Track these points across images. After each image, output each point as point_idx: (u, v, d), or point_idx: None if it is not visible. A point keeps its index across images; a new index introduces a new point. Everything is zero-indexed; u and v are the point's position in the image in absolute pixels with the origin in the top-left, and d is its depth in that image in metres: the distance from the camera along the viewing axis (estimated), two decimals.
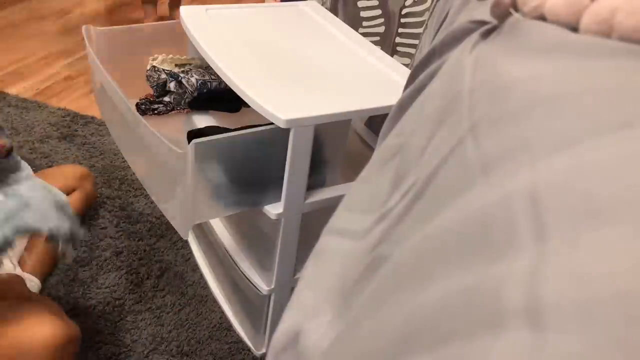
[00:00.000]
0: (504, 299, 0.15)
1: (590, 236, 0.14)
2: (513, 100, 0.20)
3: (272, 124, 0.83)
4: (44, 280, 1.25)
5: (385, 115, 0.38)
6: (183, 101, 1.11)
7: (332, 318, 0.28)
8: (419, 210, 0.23)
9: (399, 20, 1.38)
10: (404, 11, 1.37)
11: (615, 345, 0.13)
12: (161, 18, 2.63)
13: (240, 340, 1.21)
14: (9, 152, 0.93)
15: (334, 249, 0.32)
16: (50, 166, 1.61)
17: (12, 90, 2.00)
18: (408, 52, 1.41)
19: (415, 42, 1.39)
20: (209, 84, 1.11)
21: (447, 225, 0.19)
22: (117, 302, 1.25)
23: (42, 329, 0.90)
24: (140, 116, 0.89)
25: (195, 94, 1.10)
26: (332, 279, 0.30)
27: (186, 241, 1.42)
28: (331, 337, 0.25)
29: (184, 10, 1.11)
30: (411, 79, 0.34)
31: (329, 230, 0.34)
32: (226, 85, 0.93)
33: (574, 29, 0.21)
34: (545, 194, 0.16)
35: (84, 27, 1.17)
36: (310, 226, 0.97)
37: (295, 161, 0.87)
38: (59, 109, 1.91)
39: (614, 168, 0.15)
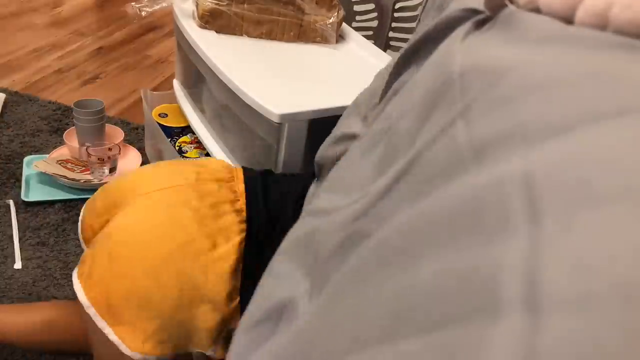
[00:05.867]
0: (500, 285, 0.15)
1: (585, 220, 0.14)
2: (507, 84, 0.20)
3: None
4: None
5: None
6: None
7: (310, 287, 0.28)
8: (404, 189, 0.23)
9: (393, 14, 1.38)
10: (398, 5, 1.37)
11: (613, 327, 0.13)
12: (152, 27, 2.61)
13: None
14: None
15: (307, 226, 0.32)
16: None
17: (2, 83, 1.98)
18: (401, 47, 1.41)
19: (409, 36, 1.39)
20: None
21: (438, 206, 0.19)
22: None
23: None
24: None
25: None
26: (306, 248, 0.30)
27: None
28: (311, 309, 0.25)
29: (182, 11, 1.10)
30: (400, 66, 0.34)
31: (305, 212, 0.34)
32: None
33: (569, 21, 0.21)
34: (540, 178, 0.16)
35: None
36: None
37: (289, 155, 0.87)
38: (49, 102, 1.89)
39: (609, 154, 0.15)
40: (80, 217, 0.89)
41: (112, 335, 0.71)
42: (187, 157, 1.22)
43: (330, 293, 0.23)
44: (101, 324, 0.71)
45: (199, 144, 1.22)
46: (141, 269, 0.71)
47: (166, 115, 1.29)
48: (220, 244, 0.70)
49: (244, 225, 0.72)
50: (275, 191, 0.76)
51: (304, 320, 0.24)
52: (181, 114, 1.26)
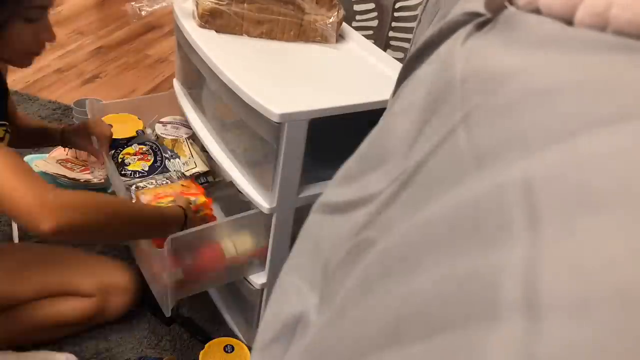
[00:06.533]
0: (500, 290, 0.15)
1: (585, 225, 0.14)
2: (507, 91, 0.20)
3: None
4: None
5: (379, 110, 0.38)
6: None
7: (319, 301, 0.28)
8: (407, 197, 0.23)
9: (393, 14, 1.38)
10: (398, 5, 1.36)
11: (614, 334, 0.13)
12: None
13: (233, 335, 1.21)
14: None
15: (316, 228, 0.32)
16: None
17: None
18: (401, 47, 1.41)
19: (409, 36, 1.39)
20: None
21: (438, 213, 0.19)
22: None
23: (122, 275, 1.16)
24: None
25: None
26: (313, 261, 0.30)
27: None
28: (319, 323, 0.25)
29: (182, 10, 1.10)
30: (404, 72, 0.34)
31: (313, 209, 0.33)
32: None
33: (569, 22, 0.21)
34: (540, 184, 0.16)
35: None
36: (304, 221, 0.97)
37: (289, 155, 0.87)
38: (49, 101, 1.89)
39: (609, 160, 0.15)
40: None
41: None
42: (129, 170, 1.17)
43: (337, 306, 0.23)
44: None
45: (143, 155, 1.19)
46: None
47: (110, 126, 1.24)
48: None
49: None
50: None
51: (311, 336, 0.24)
52: (128, 123, 1.23)
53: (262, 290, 1.07)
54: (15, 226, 1.38)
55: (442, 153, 0.21)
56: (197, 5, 1.04)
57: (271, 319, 0.31)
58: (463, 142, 0.20)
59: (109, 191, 1.51)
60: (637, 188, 0.14)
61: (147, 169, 1.18)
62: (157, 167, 1.19)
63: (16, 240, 1.34)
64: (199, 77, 1.07)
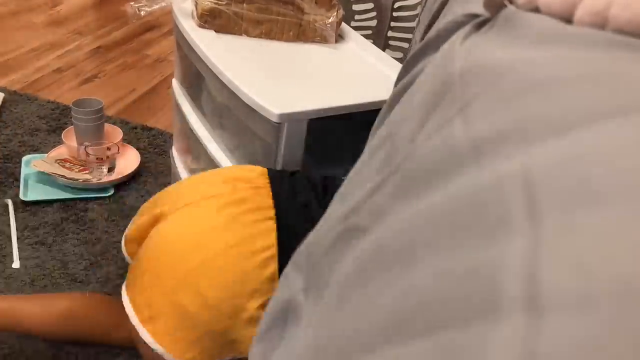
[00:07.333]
0: (500, 286, 0.15)
1: (586, 219, 0.14)
2: (507, 83, 0.20)
3: None
4: None
5: (378, 109, 0.38)
6: None
7: (305, 285, 0.28)
8: (397, 183, 0.22)
9: (392, 14, 1.38)
10: (397, 5, 1.37)
11: (616, 329, 0.12)
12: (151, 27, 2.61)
13: None
14: None
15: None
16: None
17: (1, 82, 1.97)
18: (400, 46, 1.41)
19: (408, 36, 1.39)
20: None
21: (436, 205, 0.19)
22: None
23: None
24: None
25: None
26: (304, 255, 0.31)
27: None
28: (309, 310, 0.25)
29: (181, 10, 1.10)
30: (404, 72, 0.34)
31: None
32: None
33: (568, 21, 0.21)
34: (540, 177, 0.16)
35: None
36: None
37: (288, 155, 0.87)
38: (48, 101, 1.89)
39: (610, 154, 0.15)
40: (125, 232, 0.91)
41: (155, 345, 0.74)
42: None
43: (333, 299, 0.23)
44: (144, 334, 0.74)
45: None
46: (180, 277, 0.73)
47: None
48: (260, 250, 0.72)
49: (274, 225, 0.74)
50: (304, 189, 0.79)
51: (312, 330, 0.24)
52: None
53: None
54: (14, 228, 1.38)
55: (434, 142, 0.21)
56: (196, 5, 1.04)
57: (268, 309, 0.32)
58: (459, 132, 0.20)
59: (109, 193, 1.51)
60: (638, 182, 0.14)
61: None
62: None
63: (15, 241, 1.34)
64: (198, 77, 1.07)
